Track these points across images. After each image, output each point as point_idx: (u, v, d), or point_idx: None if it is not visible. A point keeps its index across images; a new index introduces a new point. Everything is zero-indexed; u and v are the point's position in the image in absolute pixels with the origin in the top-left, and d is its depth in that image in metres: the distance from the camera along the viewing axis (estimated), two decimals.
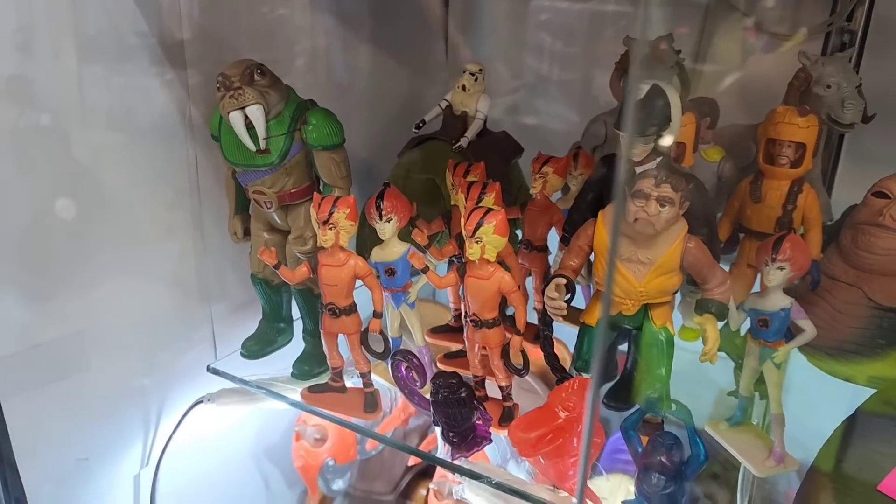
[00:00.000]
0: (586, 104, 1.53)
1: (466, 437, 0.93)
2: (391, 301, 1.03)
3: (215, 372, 1.18)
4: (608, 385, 1.05)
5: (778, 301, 0.89)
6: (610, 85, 1.22)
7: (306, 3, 1.32)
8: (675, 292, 0.91)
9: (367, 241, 1.08)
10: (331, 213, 0.93)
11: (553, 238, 1.08)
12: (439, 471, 1.30)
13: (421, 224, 1.05)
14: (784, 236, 0.87)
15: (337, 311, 0.98)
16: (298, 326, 1.17)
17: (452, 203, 1.09)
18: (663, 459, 0.80)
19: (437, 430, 0.96)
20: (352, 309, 0.99)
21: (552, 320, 0.93)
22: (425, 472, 1.48)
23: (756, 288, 0.96)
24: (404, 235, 1.01)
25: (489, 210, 0.89)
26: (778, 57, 1.33)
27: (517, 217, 1.10)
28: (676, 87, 1.12)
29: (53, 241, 0.98)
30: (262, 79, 0.98)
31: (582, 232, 0.91)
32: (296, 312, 1.17)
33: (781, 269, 0.87)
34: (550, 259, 1.11)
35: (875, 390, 1.03)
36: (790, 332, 0.92)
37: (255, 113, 0.96)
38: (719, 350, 1.00)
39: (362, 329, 1.00)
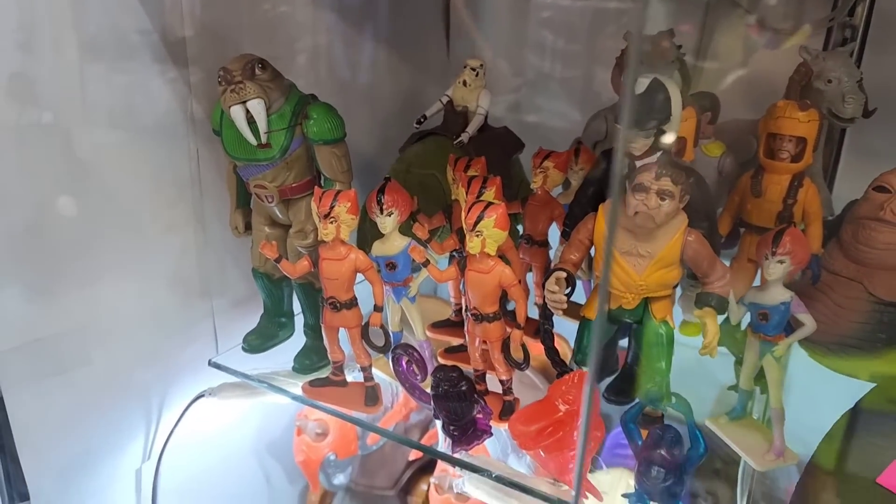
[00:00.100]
0: (588, 101, 1.53)
1: (467, 431, 0.93)
2: (392, 295, 1.03)
3: (217, 366, 1.18)
4: (609, 379, 1.06)
5: (778, 295, 0.89)
6: (611, 80, 1.22)
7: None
8: (676, 286, 0.91)
9: (367, 235, 1.08)
10: (332, 207, 0.93)
11: (554, 233, 1.08)
12: (440, 465, 1.31)
13: (422, 218, 1.06)
14: (784, 230, 0.88)
15: (338, 304, 0.98)
16: (300, 321, 1.17)
17: (453, 198, 1.09)
18: (663, 452, 0.80)
19: (438, 423, 0.96)
20: (353, 303, 0.99)
21: (552, 314, 0.94)
22: (426, 467, 1.48)
23: (757, 282, 0.96)
24: (405, 230, 1.01)
25: (490, 204, 0.89)
26: (780, 52, 1.33)
27: (518, 212, 1.10)
28: (677, 83, 1.13)
29: (56, 236, 0.98)
30: (264, 73, 0.98)
31: (582, 226, 0.91)
32: (297, 307, 1.17)
33: (781, 262, 0.87)
34: (551, 254, 1.12)
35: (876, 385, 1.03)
36: (790, 326, 0.92)
37: (257, 107, 0.96)
38: (720, 345, 1.00)
39: (363, 323, 1.00)
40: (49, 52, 0.94)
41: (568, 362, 0.98)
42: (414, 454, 1.50)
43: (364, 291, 1.00)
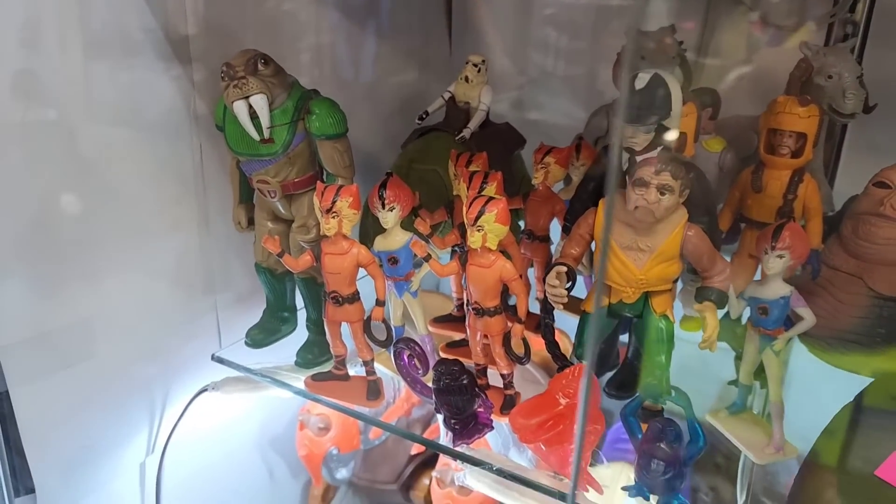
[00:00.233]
0: (591, 98, 1.53)
1: (468, 425, 0.94)
2: (394, 290, 1.04)
3: (220, 360, 1.19)
4: (610, 374, 1.06)
5: (777, 289, 0.90)
6: (613, 76, 1.22)
7: None
8: (676, 280, 0.91)
9: (370, 230, 1.09)
10: (334, 202, 0.94)
11: (555, 228, 1.09)
12: (442, 459, 1.31)
13: (423, 213, 1.06)
14: (783, 225, 0.88)
15: (340, 299, 0.99)
16: (302, 315, 1.17)
17: (455, 193, 1.10)
18: (662, 446, 0.80)
19: (440, 417, 0.97)
20: (355, 297, 1.00)
21: (553, 309, 0.94)
22: (429, 461, 1.49)
23: (757, 278, 0.97)
24: (407, 225, 1.01)
25: (491, 199, 0.90)
26: (781, 48, 1.33)
27: (519, 207, 1.10)
28: (678, 79, 1.13)
29: (60, 231, 0.99)
30: (266, 69, 0.99)
31: (583, 220, 0.91)
32: (300, 301, 1.18)
33: (781, 257, 0.88)
34: (553, 249, 1.12)
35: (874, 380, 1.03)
36: (790, 321, 0.92)
37: (259, 102, 0.97)
38: (720, 339, 1.01)
39: (365, 317, 1.01)
40: (53, 49, 0.94)
41: (569, 356, 0.99)
42: (416, 448, 1.51)
43: (367, 286, 1.01)
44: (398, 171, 1.17)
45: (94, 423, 1.09)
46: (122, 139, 1.04)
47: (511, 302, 0.98)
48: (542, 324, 0.97)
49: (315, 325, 1.14)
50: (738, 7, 1.38)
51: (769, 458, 0.93)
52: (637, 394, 0.93)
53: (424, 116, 1.28)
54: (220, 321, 1.24)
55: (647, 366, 0.91)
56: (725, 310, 0.93)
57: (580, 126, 1.29)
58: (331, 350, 1.06)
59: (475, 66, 1.24)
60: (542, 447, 0.87)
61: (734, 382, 1.01)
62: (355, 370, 1.08)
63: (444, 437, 0.98)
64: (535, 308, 1.01)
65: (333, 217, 0.94)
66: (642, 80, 0.88)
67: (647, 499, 0.84)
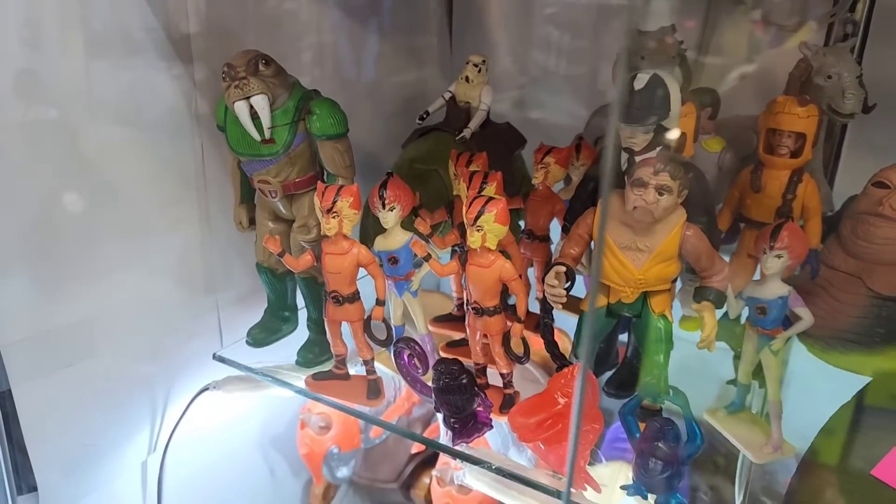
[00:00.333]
0: (592, 98, 1.53)
1: (467, 424, 0.94)
2: (394, 289, 1.04)
3: (221, 360, 1.19)
4: (609, 373, 1.07)
5: (776, 289, 0.90)
6: (613, 76, 1.22)
7: None
8: (674, 280, 0.92)
9: (370, 230, 1.09)
10: (334, 202, 0.94)
11: (555, 228, 1.09)
12: (442, 458, 1.32)
13: (424, 213, 1.07)
14: (782, 225, 0.88)
15: (340, 298, 0.99)
16: (303, 315, 1.18)
17: (455, 193, 1.10)
18: (660, 445, 0.81)
19: (439, 416, 0.97)
20: (355, 297, 1.00)
21: (552, 308, 0.94)
22: (429, 460, 1.49)
23: (756, 277, 0.97)
24: (407, 225, 1.02)
25: (490, 199, 0.90)
26: (782, 48, 1.33)
27: (520, 207, 1.11)
28: (678, 78, 1.13)
29: (63, 230, 0.99)
30: (267, 69, 0.99)
31: (582, 220, 0.92)
32: (300, 301, 1.18)
33: (779, 257, 0.88)
34: (553, 249, 1.12)
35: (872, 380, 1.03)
36: (788, 320, 0.93)
37: (260, 103, 0.97)
38: (719, 339, 1.01)
39: (365, 317, 1.02)
40: (55, 48, 0.95)
41: (568, 356, 0.99)
42: (417, 447, 1.51)
43: (367, 286, 1.01)
44: (399, 171, 1.17)
45: (96, 421, 1.10)
46: (123, 138, 1.05)
47: (511, 301, 0.99)
48: (542, 323, 0.97)
49: (316, 325, 1.14)
50: (739, 7, 1.38)
51: (767, 458, 0.93)
52: (635, 393, 0.93)
53: (425, 116, 1.28)
54: (222, 320, 1.24)
55: (645, 365, 0.91)
56: (724, 310, 0.94)
57: (581, 125, 1.29)
58: (331, 349, 1.06)
59: (476, 66, 1.24)
60: (541, 446, 0.87)
61: (733, 382, 1.01)
62: (356, 369, 1.08)
63: (444, 436, 0.99)
64: (536, 308, 1.01)
65: (334, 217, 0.95)
66: (641, 80, 0.88)
67: (646, 498, 0.85)
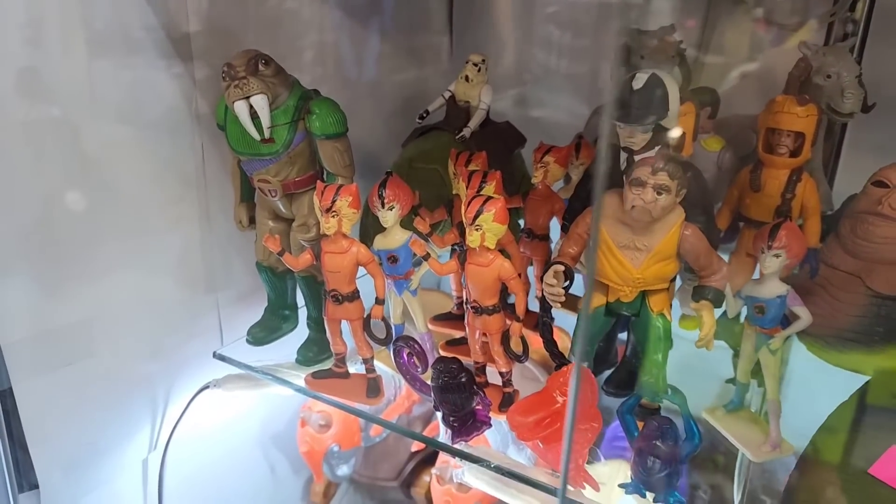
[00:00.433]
0: (593, 97, 1.54)
1: (466, 422, 0.94)
2: (394, 288, 1.04)
3: (221, 358, 1.20)
4: (608, 372, 1.07)
5: (774, 288, 0.90)
6: (611, 75, 1.22)
7: None
8: (673, 279, 0.92)
9: (370, 229, 1.09)
10: (333, 201, 0.94)
11: (555, 227, 1.09)
12: (442, 456, 1.32)
13: (423, 212, 1.07)
14: (780, 224, 0.89)
15: (340, 297, 1.00)
16: (303, 313, 1.18)
17: (454, 192, 1.10)
18: (658, 443, 0.81)
19: (439, 414, 0.97)
20: (354, 295, 1.00)
21: (551, 307, 0.95)
22: (429, 459, 1.50)
23: (756, 276, 0.97)
24: (407, 224, 1.02)
25: (489, 198, 0.90)
26: (782, 47, 1.33)
27: (519, 206, 1.11)
28: (677, 78, 1.13)
29: (64, 229, 0.99)
30: (267, 69, 0.99)
31: (581, 220, 0.92)
32: (301, 300, 1.18)
33: (777, 256, 0.88)
34: (552, 248, 1.13)
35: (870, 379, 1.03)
36: (787, 319, 0.93)
37: (260, 102, 0.98)
38: (718, 338, 1.01)
39: (365, 316, 1.02)
40: (57, 48, 0.95)
41: (567, 355, 0.99)
42: (417, 445, 1.52)
43: (366, 285, 1.01)
44: (398, 170, 1.18)
45: (97, 419, 1.10)
46: (124, 137, 1.05)
47: (511, 300, 0.99)
48: (540, 322, 0.97)
49: (315, 323, 1.14)
50: (739, 6, 1.38)
51: (766, 456, 0.94)
52: (634, 392, 0.93)
53: (425, 115, 1.28)
54: (222, 319, 1.24)
55: (644, 364, 0.92)
56: (723, 309, 0.94)
57: (582, 124, 1.29)
58: (331, 348, 1.07)
59: (475, 65, 1.24)
60: (540, 444, 0.87)
61: (732, 381, 1.01)
62: (356, 368, 1.09)
63: (444, 435, 0.99)
64: (536, 306, 1.02)
65: (333, 216, 0.95)
66: (640, 79, 0.88)
67: (644, 496, 0.85)
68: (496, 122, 1.32)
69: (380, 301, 1.00)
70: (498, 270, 0.92)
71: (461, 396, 0.92)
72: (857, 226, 1.03)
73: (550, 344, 0.97)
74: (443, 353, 1.09)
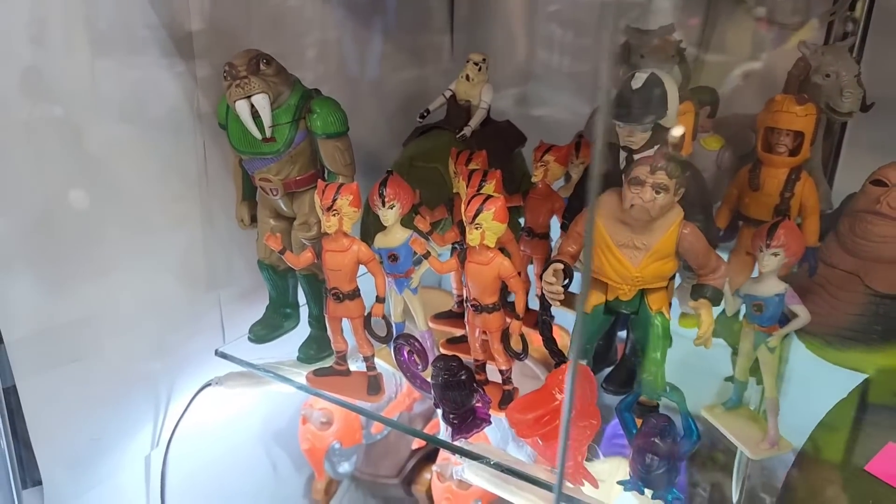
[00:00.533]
0: (595, 95, 1.54)
1: (466, 419, 0.95)
2: (394, 286, 1.05)
3: (223, 356, 1.20)
4: (608, 370, 1.07)
5: (772, 287, 0.91)
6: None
7: None
8: (672, 278, 0.92)
9: (370, 228, 1.10)
10: (334, 200, 0.95)
11: (555, 225, 1.10)
12: (442, 454, 1.33)
13: (423, 211, 1.07)
14: (778, 223, 0.89)
15: (340, 295, 1.00)
16: (305, 311, 1.19)
17: (455, 191, 1.11)
18: (656, 441, 0.81)
19: (439, 412, 0.98)
20: (355, 294, 1.01)
21: (550, 305, 0.95)
22: (430, 455, 1.50)
23: (755, 275, 0.98)
24: (407, 222, 1.03)
25: (489, 197, 0.91)
26: (782, 46, 1.34)
27: (519, 205, 1.11)
28: (677, 77, 1.14)
29: (66, 228, 1.00)
30: (268, 68, 1.00)
31: (580, 218, 0.92)
32: (302, 298, 1.19)
33: (776, 255, 0.89)
34: (552, 246, 1.13)
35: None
36: (786, 317, 0.93)
37: (261, 102, 0.98)
38: (717, 336, 1.02)
39: (365, 314, 1.02)
40: (60, 47, 0.95)
41: (566, 353, 1.00)
42: (418, 443, 1.52)
43: (367, 283, 1.02)
44: (399, 169, 1.18)
45: (99, 416, 1.11)
46: (126, 136, 1.06)
47: (510, 298, 0.99)
48: (540, 320, 0.98)
49: (317, 321, 1.15)
50: (739, 5, 1.38)
51: (764, 454, 0.94)
52: (633, 390, 0.94)
53: (426, 114, 1.29)
54: (224, 317, 1.25)
55: (642, 362, 0.92)
56: (722, 307, 0.94)
57: (584, 122, 1.30)
58: (332, 346, 1.07)
59: (476, 64, 1.25)
60: (539, 442, 0.88)
61: (730, 379, 1.02)
62: (356, 366, 1.09)
63: (444, 432, 1.00)
64: (537, 304, 1.02)
65: (334, 215, 0.95)
66: (639, 79, 0.89)
67: (643, 493, 0.85)
68: (497, 121, 1.33)
69: (380, 299, 1.01)
70: (497, 269, 0.92)
71: (461, 394, 0.93)
72: (856, 224, 1.04)
73: (550, 342, 0.98)
74: (443, 351, 1.10)
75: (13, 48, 0.90)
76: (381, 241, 1.01)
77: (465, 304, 0.99)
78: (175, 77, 1.10)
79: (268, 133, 1.00)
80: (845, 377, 1.06)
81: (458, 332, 1.13)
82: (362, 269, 1.01)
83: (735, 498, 1.01)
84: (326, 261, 0.99)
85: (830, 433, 0.97)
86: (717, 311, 0.91)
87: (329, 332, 1.07)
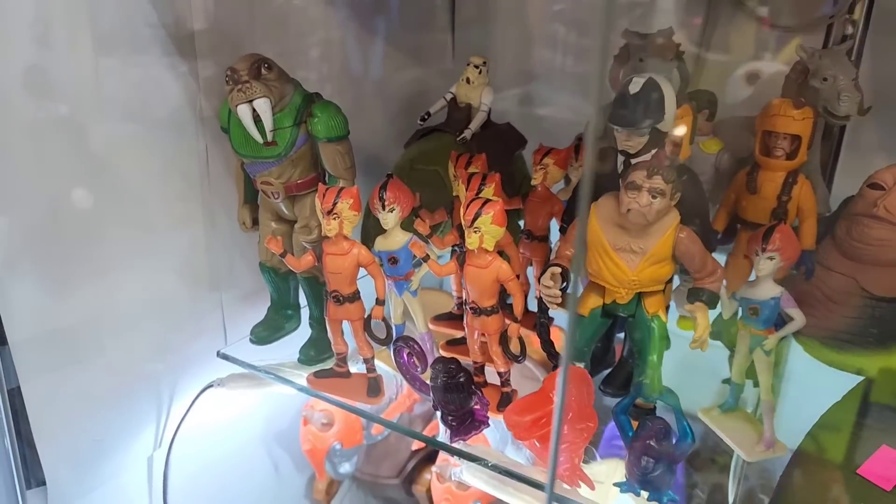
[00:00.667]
0: (600, 95, 1.54)
1: (465, 421, 0.96)
2: (394, 289, 1.06)
3: (225, 357, 1.21)
4: (605, 372, 1.08)
5: (768, 290, 0.91)
6: (609, 77, 1.23)
7: None
8: (669, 281, 0.93)
9: (371, 231, 1.11)
10: (335, 204, 0.96)
11: (555, 228, 1.10)
12: (442, 455, 1.33)
13: (424, 214, 1.08)
14: (774, 227, 0.90)
15: (341, 298, 1.01)
16: (306, 313, 1.19)
17: (454, 194, 1.11)
18: (652, 443, 0.82)
19: (438, 414, 0.99)
20: (355, 296, 1.02)
21: (548, 308, 0.96)
22: (430, 456, 1.51)
23: (753, 278, 0.98)
24: (407, 225, 1.03)
25: (487, 201, 0.91)
26: (781, 49, 1.34)
27: (519, 207, 1.12)
28: (676, 81, 1.14)
29: (69, 228, 1.01)
30: (270, 73, 1.01)
31: (578, 222, 0.93)
32: (303, 300, 1.20)
33: (771, 258, 0.89)
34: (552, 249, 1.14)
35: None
36: (781, 320, 0.94)
37: (263, 106, 0.99)
38: (715, 339, 1.02)
39: (365, 316, 1.03)
40: (64, 47, 0.96)
41: None
42: (418, 444, 1.53)
43: (367, 285, 1.02)
44: (399, 171, 1.19)
45: (103, 417, 1.11)
46: (129, 136, 1.06)
47: (509, 301, 1.00)
48: (538, 323, 0.98)
49: (318, 323, 1.16)
50: (739, 8, 1.38)
51: (759, 456, 0.95)
52: (629, 392, 0.94)
53: (426, 117, 1.29)
54: (226, 319, 1.25)
55: (639, 365, 0.93)
56: (718, 311, 0.95)
57: (586, 124, 1.30)
58: (332, 348, 1.08)
59: (476, 67, 1.26)
60: (536, 444, 0.89)
61: (727, 381, 1.02)
62: (357, 367, 1.10)
63: (443, 434, 1.00)
64: (535, 307, 1.03)
65: (334, 218, 0.96)
66: (637, 84, 0.90)
67: (639, 495, 0.86)
68: (497, 124, 1.33)
69: (380, 302, 1.01)
70: (496, 272, 0.93)
71: (459, 396, 0.94)
72: (853, 228, 1.04)
73: (547, 344, 0.99)
74: (443, 353, 1.11)
75: (17, 48, 0.91)
76: (381, 244, 1.02)
77: (464, 307, 1.00)
78: (178, 77, 1.10)
79: (269, 137, 1.01)
80: (842, 379, 1.06)
81: (458, 334, 1.14)
82: (362, 271, 1.02)
83: (731, 499, 1.01)
84: (327, 264, 1.00)
85: (828, 433, 0.97)
86: (714, 313, 0.92)
87: (329, 335, 1.07)
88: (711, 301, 0.89)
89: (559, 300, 0.91)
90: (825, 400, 1.05)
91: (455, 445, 0.97)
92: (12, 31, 0.90)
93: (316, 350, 1.15)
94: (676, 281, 1.05)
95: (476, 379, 1.01)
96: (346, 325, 1.05)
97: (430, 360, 1.03)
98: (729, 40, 1.37)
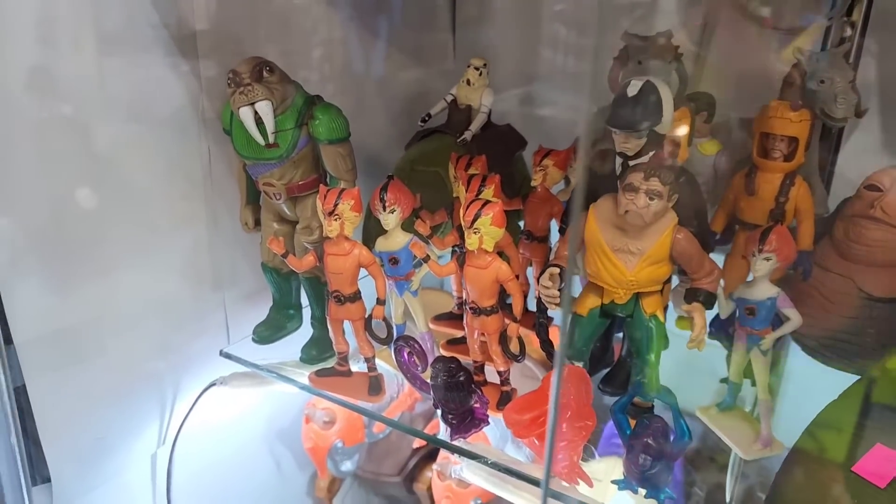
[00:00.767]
0: (599, 96, 1.54)
1: (464, 420, 0.97)
2: (395, 289, 1.07)
3: (228, 356, 1.22)
4: (604, 371, 1.09)
5: (765, 290, 0.92)
6: (609, 79, 1.24)
7: None
8: (666, 282, 0.94)
9: (372, 231, 1.12)
10: (336, 205, 0.97)
11: (554, 229, 1.11)
12: (442, 453, 1.34)
13: (424, 215, 1.09)
14: (771, 228, 0.90)
15: (342, 298, 1.02)
16: (308, 313, 1.20)
17: (455, 195, 1.12)
18: (649, 441, 0.83)
19: (438, 412, 1.00)
20: (356, 296, 1.03)
21: (547, 308, 0.97)
22: (431, 454, 1.52)
23: (751, 278, 0.99)
24: (408, 226, 1.04)
25: (487, 202, 0.92)
26: (779, 52, 1.34)
27: (519, 208, 1.13)
28: (674, 83, 1.15)
29: (73, 229, 1.01)
30: (271, 75, 1.02)
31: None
32: (305, 299, 1.20)
33: (768, 259, 0.90)
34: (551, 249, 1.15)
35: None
36: (778, 321, 0.95)
37: (264, 108, 1.00)
38: (713, 338, 1.03)
39: (366, 316, 1.04)
40: (68, 46, 0.97)
41: None
42: (419, 442, 1.54)
43: (368, 286, 1.03)
44: (400, 173, 1.20)
45: (107, 415, 1.12)
46: (132, 136, 1.07)
47: (509, 301, 1.01)
48: (537, 323, 0.99)
49: (319, 323, 1.17)
50: (737, 10, 1.39)
51: (756, 454, 0.96)
52: (626, 391, 0.95)
53: (427, 119, 1.30)
54: (228, 318, 1.26)
55: (637, 364, 0.94)
56: (716, 311, 0.96)
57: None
58: (334, 347, 1.09)
59: (476, 69, 1.26)
60: (536, 442, 0.90)
61: (725, 380, 1.03)
62: (358, 366, 1.11)
63: (444, 432, 1.01)
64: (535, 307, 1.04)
65: (336, 219, 0.97)
66: (635, 86, 0.90)
67: (636, 492, 0.87)
68: (497, 126, 1.34)
69: (381, 302, 1.02)
70: (496, 272, 0.94)
71: (459, 395, 0.95)
72: (850, 229, 1.05)
73: (546, 344, 1.00)
74: (443, 352, 1.12)
75: (20, 48, 0.91)
76: (381, 244, 1.03)
77: (464, 307, 1.01)
78: (180, 77, 1.11)
79: (271, 139, 1.02)
80: (840, 378, 1.07)
81: (458, 334, 1.15)
82: (363, 272, 1.03)
83: (728, 496, 1.02)
84: (328, 264, 1.01)
85: (825, 431, 0.98)
86: (711, 314, 0.93)
87: (331, 334, 1.09)
88: (709, 301, 0.90)
89: (558, 300, 0.92)
90: (823, 399, 1.05)
91: (455, 443, 0.98)
92: (15, 31, 0.91)
93: (318, 349, 1.16)
94: (675, 281, 1.06)
95: (476, 378, 1.02)
96: (347, 325, 1.06)
97: (430, 360, 1.04)
98: (728, 42, 1.38)
